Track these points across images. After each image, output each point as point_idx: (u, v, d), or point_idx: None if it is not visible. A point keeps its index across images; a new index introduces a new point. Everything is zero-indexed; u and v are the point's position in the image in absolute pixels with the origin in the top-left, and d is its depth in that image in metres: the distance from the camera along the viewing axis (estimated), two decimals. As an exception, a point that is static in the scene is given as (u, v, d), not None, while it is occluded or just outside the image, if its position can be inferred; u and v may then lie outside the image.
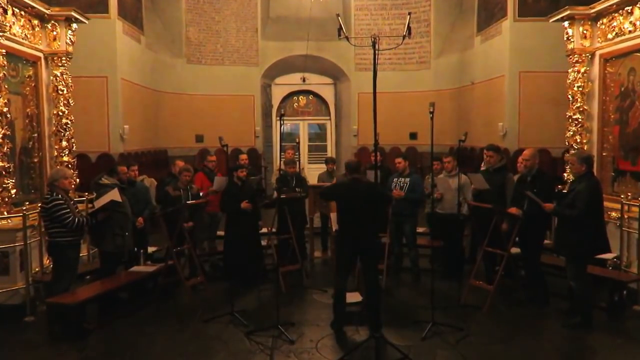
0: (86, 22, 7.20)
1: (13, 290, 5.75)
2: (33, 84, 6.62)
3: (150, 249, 7.09)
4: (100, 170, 6.94)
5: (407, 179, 6.78)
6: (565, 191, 5.64)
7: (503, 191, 6.10)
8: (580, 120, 7.13)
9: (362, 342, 4.76)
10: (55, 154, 6.97)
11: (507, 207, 5.74)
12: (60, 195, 5.26)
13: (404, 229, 6.83)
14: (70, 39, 6.93)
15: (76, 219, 5.26)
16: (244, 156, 8.30)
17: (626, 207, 6.15)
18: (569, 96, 7.23)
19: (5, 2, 5.78)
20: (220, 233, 7.79)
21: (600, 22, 6.85)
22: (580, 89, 7.10)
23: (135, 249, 6.44)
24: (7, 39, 5.92)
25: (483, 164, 7.11)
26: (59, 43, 6.85)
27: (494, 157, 6.36)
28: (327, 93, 15.14)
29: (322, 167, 9.03)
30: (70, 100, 7.04)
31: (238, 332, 5.16)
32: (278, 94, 15.00)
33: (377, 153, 7.64)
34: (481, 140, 10.30)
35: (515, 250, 5.97)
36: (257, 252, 6.80)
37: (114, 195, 5.57)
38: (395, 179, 6.88)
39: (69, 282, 5.41)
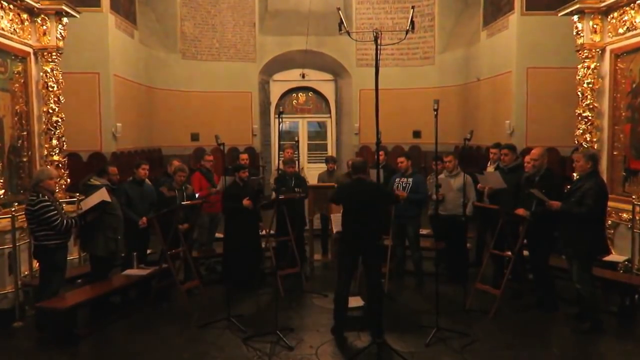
0: (77, 16, 7.20)
1: (1, 294, 5.75)
2: (22, 81, 6.61)
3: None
4: (92, 170, 6.95)
5: (410, 179, 6.78)
6: (569, 187, 5.64)
7: (518, 191, 6.11)
8: (590, 118, 7.12)
9: (364, 348, 4.77)
10: (45, 152, 6.97)
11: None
12: (46, 197, 5.23)
13: (406, 230, 6.83)
14: (60, 33, 6.93)
15: (64, 221, 5.25)
16: (244, 156, 8.31)
17: (638, 209, 6.15)
18: (579, 93, 7.22)
19: (-7, -5, 5.80)
20: (219, 235, 7.80)
21: (611, 16, 6.85)
22: (590, 85, 7.09)
23: (135, 253, 6.43)
24: (-5, 33, 5.93)
25: (489, 163, 7.13)
26: (49, 38, 6.84)
27: (509, 155, 6.45)
28: (328, 90, 15.13)
29: (322, 167, 9.03)
30: (60, 97, 7.04)
31: (235, 337, 5.16)
32: (276, 90, 14.99)
33: (382, 152, 7.68)
34: (487, 138, 10.30)
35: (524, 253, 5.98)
36: (258, 254, 6.82)
37: (103, 195, 5.55)
38: (397, 179, 6.88)
39: (58, 286, 5.40)
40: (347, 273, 5.23)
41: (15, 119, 6.47)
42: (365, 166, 5.33)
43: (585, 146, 7.07)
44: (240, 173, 6.82)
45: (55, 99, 6.98)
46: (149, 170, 6.73)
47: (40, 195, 5.22)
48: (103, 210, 5.63)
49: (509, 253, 5.88)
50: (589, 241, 5.11)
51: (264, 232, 7.08)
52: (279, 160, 7.42)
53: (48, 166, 6.70)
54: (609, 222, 6.56)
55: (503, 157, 6.51)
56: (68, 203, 6.88)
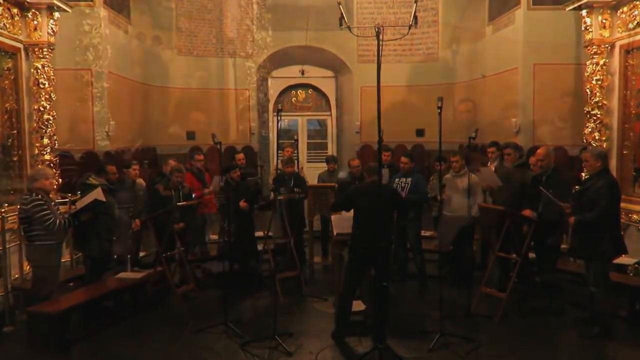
0: (69, 10, 7.20)
1: (-9, 298, 5.75)
2: (12, 77, 6.60)
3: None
4: (84, 170, 6.95)
5: (409, 179, 6.77)
6: (578, 188, 5.64)
7: (524, 191, 6.10)
8: (599, 115, 7.12)
9: (365, 353, 4.77)
10: (36, 152, 6.95)
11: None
12: (40, 196, 5.25)
13: (407, 233, 6.82)
14: (52, 28, 6.92)
15: (57, 221, 5.26)
16: (240, 155, 8.33)
17: (648, 209, 6.15)
18: (587, 90, 7.22)
19: (-17, -11, 5.79)
20: (213, 237, 7.81)
21: (621, 10, 6.85)
22: (599, 82, 7.09)
23: (129, 255, 6.44)
24: (-15, 29, 5.93)
25: (489, 162, 7.14)
26: (40, 33, 6.83)
27: (512, 154, 6.50)
28: (328, 87, 15.12)
29: (322, 166, 9.03)
30: (52, 94, 7.03)
31: (232, 343, 5.16)
32: (275, 87, 14.98)
33: (389, 152, 7.69)
34: (493, 137, 10.25)
35: (530, 255, 5.97)
36: (255, 257, 6.81)
37: (98, 194, 5.56)
38: (396, 180, 6.87)
39: (51, 289, 5.41)
40: (355, 277, 5.22)
41: (5, 117, 6.47)
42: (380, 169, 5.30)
43: (594, 145, 7.07)
44: (232, 173, 6.80)
45: (47, 97, 6.97)
46: (139, 169, 6.76)
47: (35, 194, 5.25)
48: (99, 211, 5.63)
49: (512, 255, 5.88)
50: (603, 242, 5.09)
51: (260, 234, 7.08)
52: (277, 159, 7.39)
53: (39, 165, 6.70)
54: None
55: (506, 157, 6.58)
56: (60, 203, 6.87)
